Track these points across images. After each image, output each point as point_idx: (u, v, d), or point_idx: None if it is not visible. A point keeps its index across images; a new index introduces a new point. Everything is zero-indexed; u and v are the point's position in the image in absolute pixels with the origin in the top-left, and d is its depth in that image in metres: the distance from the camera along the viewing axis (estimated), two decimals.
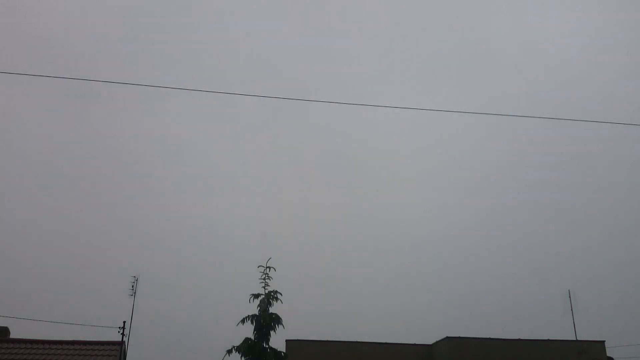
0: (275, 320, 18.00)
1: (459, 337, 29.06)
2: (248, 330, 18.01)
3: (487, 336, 29.42)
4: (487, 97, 59.58)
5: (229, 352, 17.72)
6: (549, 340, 29.60)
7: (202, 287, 47.16)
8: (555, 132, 53.45)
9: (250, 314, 18.09)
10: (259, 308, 18.15)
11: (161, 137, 62.74)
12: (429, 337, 31.24)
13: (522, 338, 29.46)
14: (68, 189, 54.89)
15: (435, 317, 42.97)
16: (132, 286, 29.36)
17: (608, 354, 29.35)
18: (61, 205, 52.39)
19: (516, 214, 55.02)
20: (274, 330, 18.04)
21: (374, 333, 45.15)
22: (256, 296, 18.27)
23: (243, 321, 18.00)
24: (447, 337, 28.96)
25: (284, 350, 20.23)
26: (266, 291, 18.31)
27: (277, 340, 19.18)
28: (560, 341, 29.93)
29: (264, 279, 18.35)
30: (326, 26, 68.33)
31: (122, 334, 26.86)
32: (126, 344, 27.19)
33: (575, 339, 31.27)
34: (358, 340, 30.63)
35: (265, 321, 17.86)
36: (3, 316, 26.16)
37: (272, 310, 18.16)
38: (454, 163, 61.90)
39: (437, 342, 29.99)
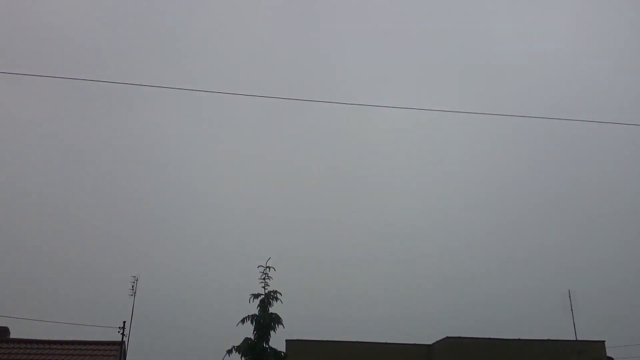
0: (275, 320, 17.99)
1: (459, 337, 29.05)
2: (248, 330, 18.02)
3: (487, 336, 29.42)
4: (487, 97, 59.64)
5: (229, 352, 17.72)
6: (549, 340, 29.60)
7: (202, 287, 47.19)
8: (555, 132, 53.49)
9: (250, 314, 18.08)
10: (259, 308, 18.16)
11: (161, 138, 62.78)
12: (429, 337, 31.28)
13: (522, 338, 29.46)
14: (68, 190, 54.92)
15: (435, 317, 42.97)
16: (132, 286, 29.30)
17: (608, 354, 29.35)
18: (61, 205, 52.42)
19: (516, 214, 55.06)
20: (274, 330, 18.03)
21: (374, 333, 45.17)
22: (256, 296, 18.25)
23: (243, 321, 17.99)
24: (447, 337, 28.95)
25: (284, 350, 20.24)
26: (266, 291, 18.31)
27: (277, 340, 19.20)
28: (560, 341, 29.92)
29: (264, 279, 18.36)
30: (326, 26, 68.36)
31: (122, 334, 26.82)
32: (126, 344, 27.16)
33: (575, 339, 31.26)
34: (358, 340, 30.63)
35: (265, 321, 17.86)
36: (3, 316, 26.17)
37: (272, 310, 18.15)
38: (454, 163, 61.93)
39: (437, 342, 29.98)
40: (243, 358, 17.63)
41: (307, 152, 62.20)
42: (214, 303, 42.84)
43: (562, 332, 32.68)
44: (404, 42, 68.98)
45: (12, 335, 25.55)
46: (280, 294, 18.28)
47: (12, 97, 58.08)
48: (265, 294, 18.26)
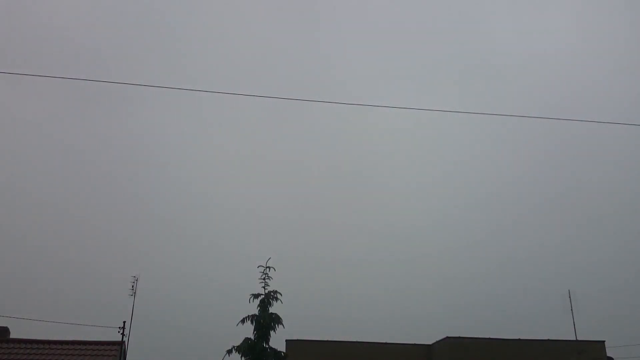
0: (275, 320, 18.00)
1: (459, 337, 29.04)
2: (248, 330, 18.03)
3: (487, 336, 29.41)
4: (487, 97, 59.66)
5: (229, 352, 17.73)
6: (549, 340, 29.59)
7: (202, 287, 47.18)
8: (555, 132, 53.51)
9: (250, 314, 18.09)
10: (259, 308, 18.16)
11: (161, 138, 62.80)
12: (429, 337, 31.27)
13: (522, 338, 29.45)
14: (68, 190, 54.92)
15: (435, 317, 42.97)
16: (132, 286, 29.32)
17: (608, 354, 29.34)
18: (61, 205, 52.41)
19: (516, 214, 55.06)
20: (274, 330, 18.04)
21: (374, 333, 45.16)
22: (256, 296, 18.27)
23: (243, 321, 18.01)
24: (447, 337, 28.94)
25: (284, 350, 20.25)
26: (266, 291, 18.32)
27: (277, 340, 19.21)
28: (560, 341, 29.92)
29: (264, 279, 18.36)
30: (326, 26, 68.36)
31: (122, 334, 26.83)
32: (126, 344, 27.17)
33: (575, 339, 31.26)
34: (358, 340, 30.62)
35: (265, 321, 17.86)
36: (3, 316, 26.18)
37: (272, 310, 18.17)
38: (454, 163, 61.94)
39: (437, 342, 29.98)
40: (243, 358, 17.64)
41: (307, 152, 62.26)
42: (214, 303, 42.85)
43: (562, 332, 32.71)
44: (404, 42, 69.05)
45: (12, 335, 25.55)
46: (280, 294, 18.31)
47: (12, 97, 58.10)
48: (265, 294, 18.27)
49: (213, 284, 47.50)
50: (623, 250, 49.08)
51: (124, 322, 27.61)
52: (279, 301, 18.27)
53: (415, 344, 30.89)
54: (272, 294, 18.25)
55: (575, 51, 66.84)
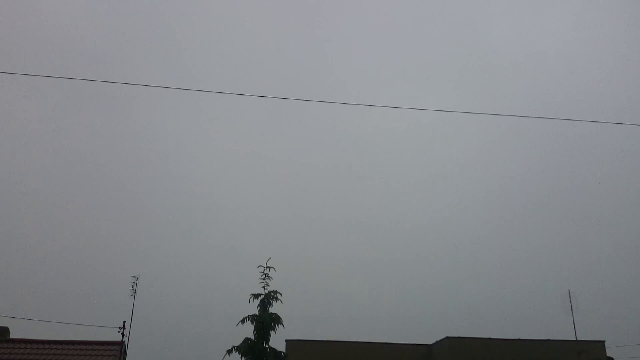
0: (275, 320, 17.99)
1: (459, 337, 29.03)
2: (248, 330, 18.03)
3: (487, 336, 29.41)
4: (488, 97, 59.70)
5: (229, 352, 17.73)
6: (549, 340, 29.59)
7: (203, 287, 47.20)
8: (555, 132, 53.55)
9: (250, 314, 18.09)
10: (259, 308, 18.16)
11: (161, 138, 62.81)
12: (429, 337, 31.27)
13: (522, 338, 29.45)
14: (68, 190, 54.94)
15: (435, 317, 42.98)
16: (132, 286, 29.33)
17: (608, 354, 29.34)
18: (61, 205, 52.44)
19: (516, 215, 55.07)
20: (274, 330, 18.04)
21: (374, 333, 45.19)
22: (256, 296, 18.27)
23: (243, 321, 18.01)
24: (447, 337, 28.93)
25: (284, 350, 20.25)
26: (266, 291, 18.32)
27: (277, 340, 19.22)
28: (560, 341, 29.90)
29: (264, 279, 18.37)
30: (326, 26, 68.38)
31: (122, 334, 26.83)
32: (126, 344, 27.17)
33: (575, 339, 31.25)
34: (358, 340, 30.62)
35: (265, 321, 17.86)
36: (3, 316, 26.19)
37: (272, 310, 18.17)
38: (453, 163, 61.96)
39: (437, 342, 29.97)
40: (243, 358, 17.63)
41: (307, 152, 62.29)
42: (214, 303, 42.90)
43: (562, 332, 32.70)
44: (403, 41, 69.08)
45: (12, 335, 25.56)
46: (280, 294, 18.31)
47: (12, 97, 58.08)
48: (265, 294, 18.26)
49: (213, 284, 47.58)
50: (623, 250, 49.11)
51: (124, 322, 27.62)
52: (279, 301, 18.28)
53: (415, 344, 30.87)
54: (272, 294, 18.25)
55: (575, 51, 66.94)
